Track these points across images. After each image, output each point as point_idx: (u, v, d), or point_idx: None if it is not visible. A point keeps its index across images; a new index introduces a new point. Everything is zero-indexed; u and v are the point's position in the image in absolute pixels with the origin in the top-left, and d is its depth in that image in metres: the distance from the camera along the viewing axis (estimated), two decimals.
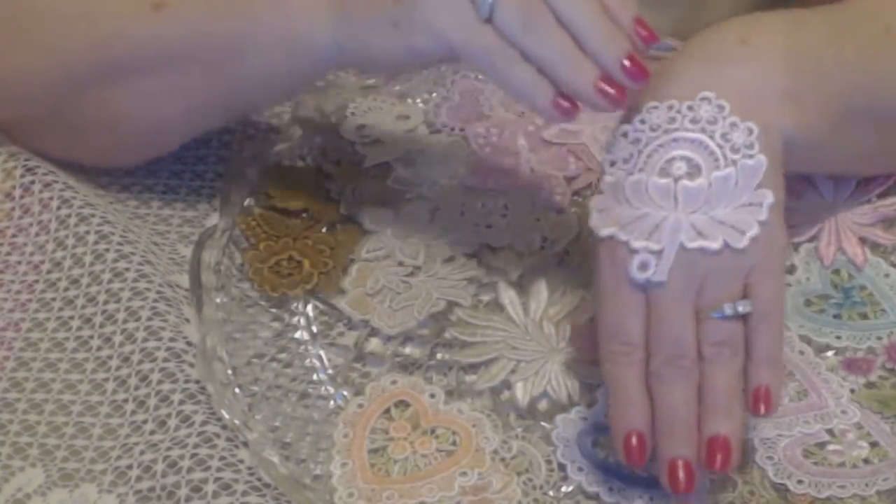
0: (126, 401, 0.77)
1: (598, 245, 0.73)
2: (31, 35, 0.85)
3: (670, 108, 0.74)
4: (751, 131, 0.73)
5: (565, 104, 0.74)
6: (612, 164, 0.74)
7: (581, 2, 0.74)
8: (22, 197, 0.86)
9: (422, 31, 0.74)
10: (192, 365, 0.77)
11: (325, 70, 0.83)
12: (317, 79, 0.85)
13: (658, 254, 0.71)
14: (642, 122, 0.74)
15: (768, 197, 0.72)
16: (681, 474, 0.70)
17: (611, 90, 0.73)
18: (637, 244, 0.71)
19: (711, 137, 0.73)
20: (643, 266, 0.71)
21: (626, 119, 0.75)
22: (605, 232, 0.72)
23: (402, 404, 0.78)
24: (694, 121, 0.73)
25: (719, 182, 0.72)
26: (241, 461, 0.73)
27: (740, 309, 0.71)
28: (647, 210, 0.72)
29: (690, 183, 0.72)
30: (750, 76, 0.74)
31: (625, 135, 0.74)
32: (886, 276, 0.83)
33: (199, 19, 0.81)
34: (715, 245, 0.71)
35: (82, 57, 0.83)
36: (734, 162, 0.72)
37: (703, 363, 0.71)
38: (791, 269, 0.84)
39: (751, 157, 0.72)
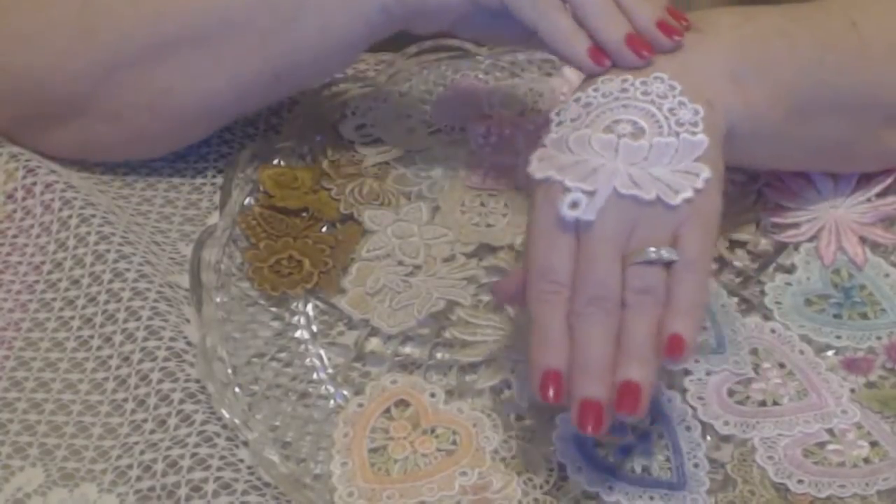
0: (126, 400, 0.77)
1: (535, 188, 0.73)
2: (59, 20, 0.85)
3: (624, 80, 0.76)
4: (697, 112, 0.74)
5: (599, 54, 0.77)
6: (560, 123, 0.76)
7: None
8: (24, 199, 0.86)
9: None
10: (192, 364, 0.77)
11: (376, 31, 0.83)
12: (366, 45, 0.85)
13: (591, 194, 0.71)
14: (595, 90, 0.76)
15: (705, 171, 0.73)
16: (590, 415, 0.69)
17: (639, 46, 0.76)
18: (571, 184, 0.72)
19: (659, 109, 0.74)
20: (574, 204, 0.71)
21: (580, 88, 0.77)
22: (540, 175, 0.73)
23: (403, 404, 0.78)
24: (645, 93, 0.75)
25: (660, 146, 0.73)
26: (241, 460, 0.73)
27: (664, 254, 0.71)
28: (587, 157, 0.73)
29: (633, 142, 0.73)
30: (697, 58, 0.77)
31: (577, 100, 0.76)
32: (886, 275, 0.83)
33: None
34: (648, 196, 0.71)
35: (123, 37, 0.84)
36: (677, 133, 0.73)
37: (625, 309, 0.71)
38: (791, 269, 0.84)
39: (694, 134, 0.74)
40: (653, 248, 0.71)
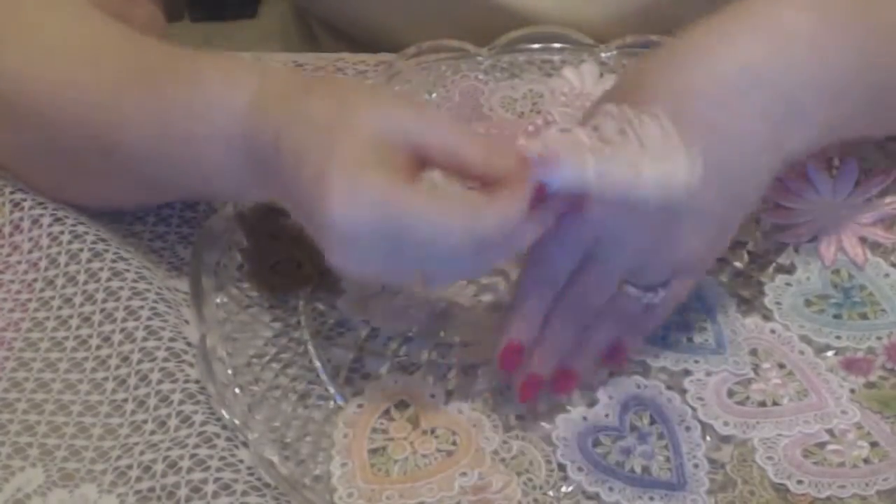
0: (126, 400, 0.77)
1: None
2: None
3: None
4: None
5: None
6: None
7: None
8: (11, 213, 0.85)
9: None
10: (191, 365, 0.77)
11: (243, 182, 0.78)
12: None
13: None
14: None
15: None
16: (533, 388, 0.76)
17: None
18: None
19: None
20: None
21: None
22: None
23: (402, 404, 0.78)
24: None
25: None
26: (241, 461, 0.73)
27: (652, 298, 0.76)
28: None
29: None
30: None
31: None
32: (886, 276, 0.83)
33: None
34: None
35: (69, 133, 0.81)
36: None
37: (598, 315, 0.76)
38: (791, 269, 0.84)
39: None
40: (646, 294, 0.75)
